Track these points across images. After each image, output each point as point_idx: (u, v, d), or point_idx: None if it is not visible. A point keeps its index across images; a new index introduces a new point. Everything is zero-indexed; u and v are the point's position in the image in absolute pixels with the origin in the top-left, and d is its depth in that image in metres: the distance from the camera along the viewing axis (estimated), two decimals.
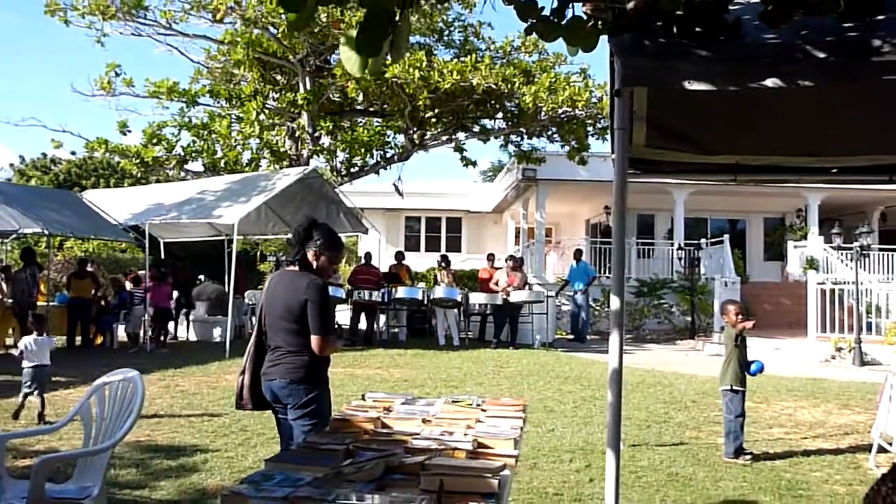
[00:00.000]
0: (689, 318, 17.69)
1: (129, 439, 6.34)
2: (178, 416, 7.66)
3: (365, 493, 2.25)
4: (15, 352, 7.61)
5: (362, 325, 15.14)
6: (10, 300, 13.56)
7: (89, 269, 15.24)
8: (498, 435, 3.12)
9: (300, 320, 3.78)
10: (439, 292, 14.93)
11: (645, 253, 20.57)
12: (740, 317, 6.48)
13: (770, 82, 2.88)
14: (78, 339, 14.28)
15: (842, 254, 18.32)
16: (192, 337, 16.15)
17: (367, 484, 2.42)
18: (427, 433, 3.15)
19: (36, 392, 7.28)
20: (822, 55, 2.96)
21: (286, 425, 3.92)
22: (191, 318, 16.30)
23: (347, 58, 2.44)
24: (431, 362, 12.19)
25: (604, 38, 3.06)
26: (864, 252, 14.96)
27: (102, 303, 14.79)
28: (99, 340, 14.76)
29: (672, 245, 19.91)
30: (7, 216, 11.92)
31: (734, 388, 6.39)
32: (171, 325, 15.51)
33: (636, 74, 3.01)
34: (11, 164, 36.10)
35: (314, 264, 3.92)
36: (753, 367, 6.49)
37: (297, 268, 3.94)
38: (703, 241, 19.30)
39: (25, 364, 7.34)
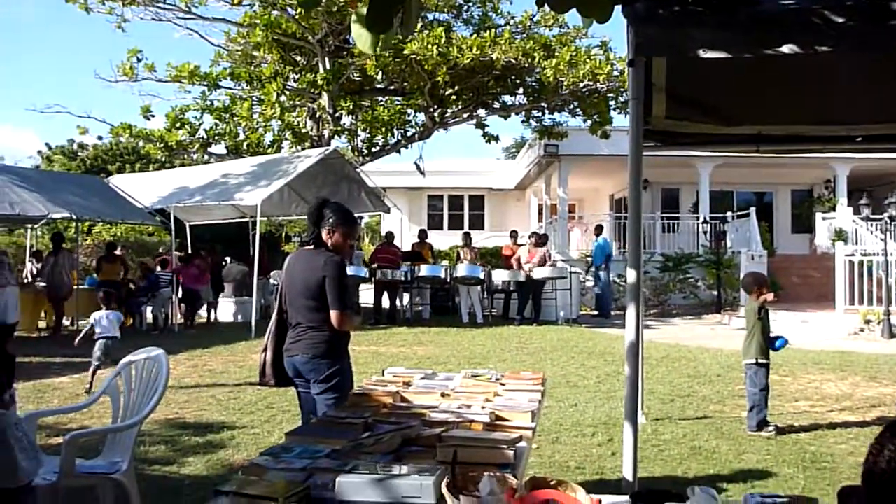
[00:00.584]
0: (715, 293, 17.58)
1: (158, 417, 6.47)
2: (206, 395, 7.77)
3: (381, 464, 2.28)
4: (92, 321, 8.15)
5: (385, 303, 15.21)
6: (44, 285, 13.82)
7: (117, 252, 15.45)
8: (515, 408, 3.14)
9: (319, 297, 3.87)
10: (462, 270, 14.94)
11: (670, 227, 20.40)
12: (764, 289, 6.42)
13: (786, 49, 2.84)
14: None
15: (871, 225, 18.04)
16: (227, 318, 16.27)
17: (384, 456, 2.45)
18: (445, 406, 3.18)
19: (106, 361, 7.78)
20: (839, 20, 2.92)
21: (307, 400, 3.99)
22: (219, 299, 16.49)
23: (359, 35, 2.45)
24: (455, 340, 12.23)
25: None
26: (893, 222, 14.73)
27: (131, 286, 14.98)
28: (129, 322, 14.97)
29: (697, 219, 19.73)
30: (36, 202, 12.11)
31: (759, 361, 6.33)
32: (204, 306, 15.72)
33: (649, 43, 2.98)
34: (39, 152, 36.56)
35: (329, 242, 3.99)
36: (778, 343, 6.41)
37: (313, 247, 4.01)
38: (728, 214, 19.10)
39: (97, 336, 7.97)
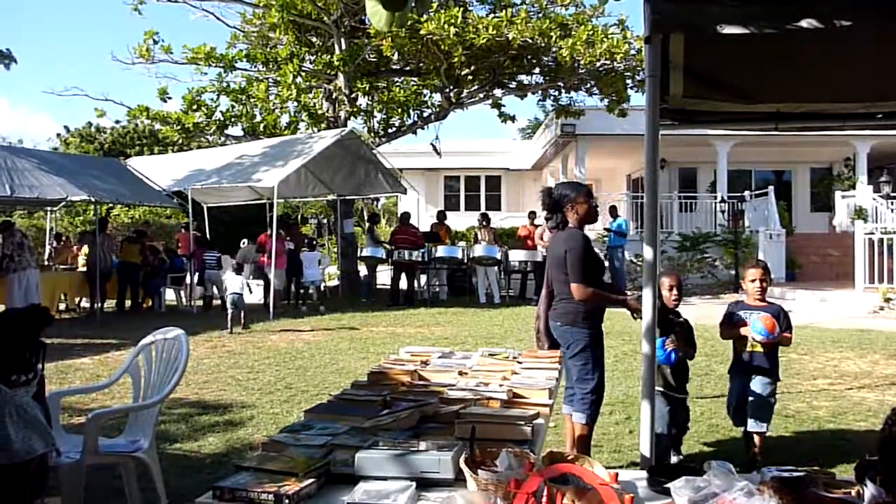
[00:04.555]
0: (732, 272, 17.47)
1: (178, 397, 6.55)
2: (225, 375, 7.85)
3: (400, 440, 2.30)
4: (226, 283, 11.86)
5: (403, 284, 15.25)
6: (84, 268, 14.34)
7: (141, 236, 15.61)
8: (533, 385, 3.16)
9: (565, 270, 4.30)
10: (479, 250, 14.95)
11: (687, 207, 20.26)
12: (673, 292, 4.75)
13: (805, 23, 2.81)
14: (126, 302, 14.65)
15: (891, 203, 17.87)
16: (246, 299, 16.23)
17: (403, 432, 2.48)
18: (463, 384, 3.20)
19: (234, 310, 11.29)
20: None
21: (568, 367, 4.34)
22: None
23: (374, 12, 2.43)
24: (472, 320, 12.26)
25: None
26: None
27: (148, 267, 15.09)
28: (148, 304, 15.12)
29: (715, 198, 19.59)
30: (55, 185, 12.20)
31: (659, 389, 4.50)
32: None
33: (666, 19, 2.96)
34: (58, 135, 36.76)
35: (575, 219, 4.36)
36: (661, 354, 4.44)
37: (560, 229, 4.43)
38: (746, 193, 18.95)
39: (227, 294, 11.62)
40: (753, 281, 4.76)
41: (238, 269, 12.15)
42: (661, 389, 4.56)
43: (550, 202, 4.45)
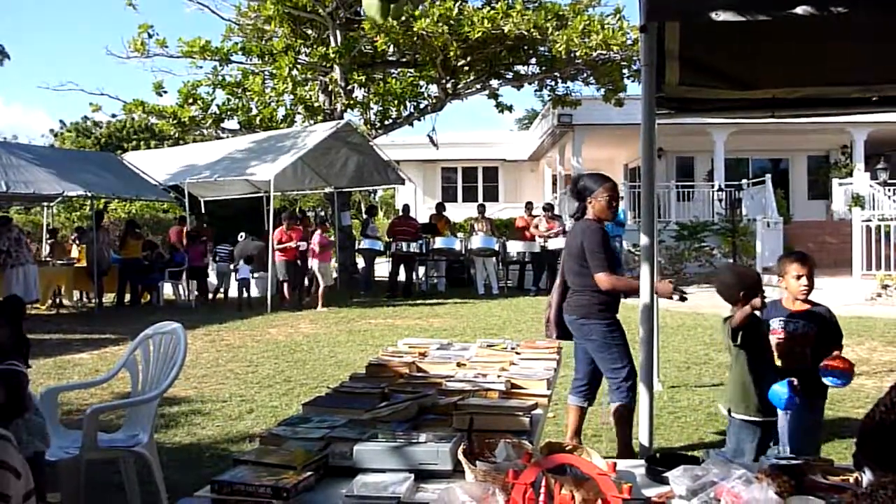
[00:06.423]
0: (730, 261, 17.47)
1: (177, 391, 6.55)
2: (224, 369, 7.85)
3: (398, 432, 2.30)
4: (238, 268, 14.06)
5: (401, 276, 15.25)
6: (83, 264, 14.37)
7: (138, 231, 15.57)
8: (531, 376, 3.16)
9: (580, 262, 4.28)
10: (477, 242, 14.95)
11: (685, 196, 20.24)
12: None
13: (800, 10, 2.79)
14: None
15: (888, 189, 17.87)
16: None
17: (401, 424, 2.48)
18: (461, 376, 3.20)
19: (247, 295, 13.69)
20: None
21: (579, 349, 4.45)
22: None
23: (369, 4, 2.43)
24: (471, 311, 12.26)
25: None
26: None
27: (145, 262, 15.06)
28: (146, 298, 15.11)
29: (712, 187, 19.59)
30: (51, 180, 12.18)
31: (739, 415, 3.50)
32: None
33: (661, 7, 2.94)
34: (52, 130, 36.68)
35: (592, 212, 4.33)
36: (779, 397, 3.28)
37: (578, 219, 4.44)
38: (744, 181, 18.94)
39: (238, 278, 13.81)
40: (799, 278, 3.68)
41: (247, 260, 13.87)
42: (755, 419, 3.46)
43: (574, 192, 4.50)
